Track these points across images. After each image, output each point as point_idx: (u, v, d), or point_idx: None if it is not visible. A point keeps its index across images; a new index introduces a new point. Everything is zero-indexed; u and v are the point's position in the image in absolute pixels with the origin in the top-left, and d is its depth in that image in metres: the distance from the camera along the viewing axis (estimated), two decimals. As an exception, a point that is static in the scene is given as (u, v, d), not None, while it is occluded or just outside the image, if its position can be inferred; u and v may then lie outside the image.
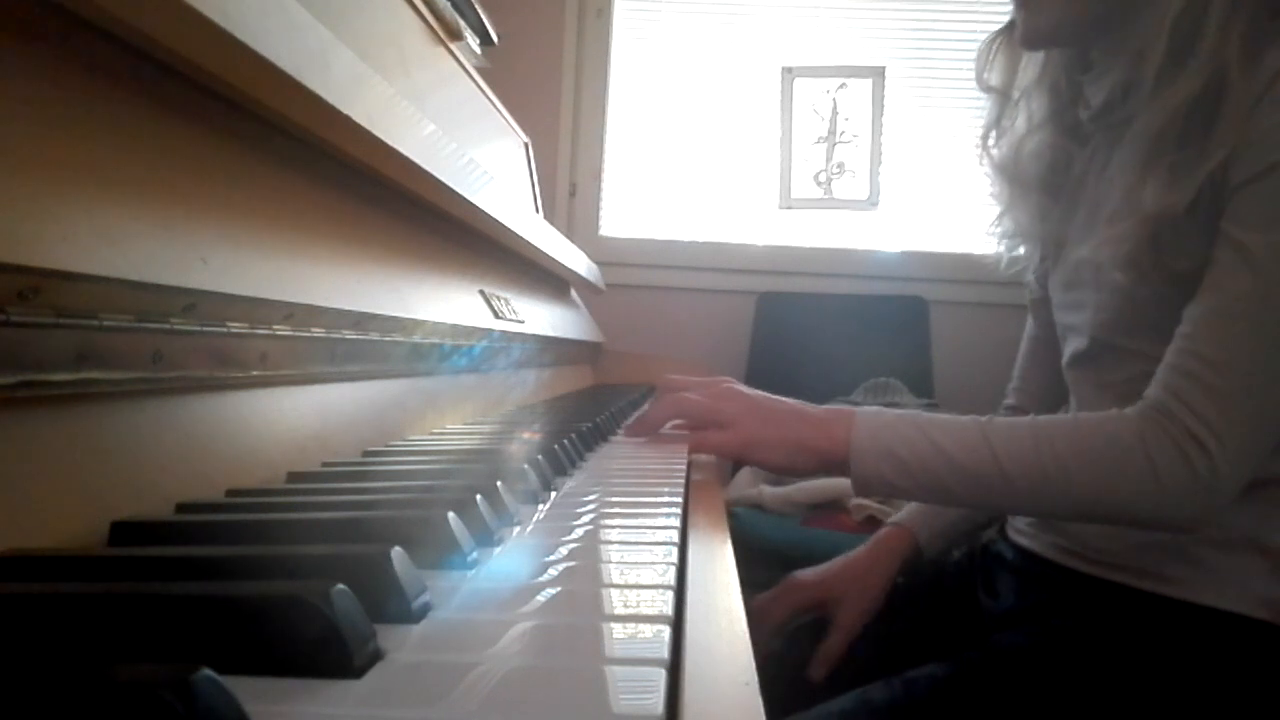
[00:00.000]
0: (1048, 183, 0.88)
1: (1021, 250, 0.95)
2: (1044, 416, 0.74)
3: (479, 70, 1.35)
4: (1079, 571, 0.82)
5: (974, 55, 0.93)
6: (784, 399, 0.80)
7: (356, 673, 0.26)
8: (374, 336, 0.68)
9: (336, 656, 0.26)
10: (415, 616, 0.31)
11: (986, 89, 0.91)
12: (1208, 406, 0.66)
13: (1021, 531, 0.91)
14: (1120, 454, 0.68)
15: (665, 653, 0.29)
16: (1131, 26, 0.75)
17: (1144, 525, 0.73)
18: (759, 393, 0.80)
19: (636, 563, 0.40)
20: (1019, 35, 0.83)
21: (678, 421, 0.83)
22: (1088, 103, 0.84)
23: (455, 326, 0.84)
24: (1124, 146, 0.77)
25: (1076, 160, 0.86)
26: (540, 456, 0.60)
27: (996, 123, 0.91)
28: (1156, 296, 0.73)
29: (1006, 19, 0.87)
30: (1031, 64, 0.88)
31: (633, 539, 0.46)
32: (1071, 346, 0.87)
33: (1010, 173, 0.90)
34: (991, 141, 0.92)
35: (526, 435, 0.77)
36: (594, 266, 1.75)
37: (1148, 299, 0.74)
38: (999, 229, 0.94)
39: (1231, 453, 0.66)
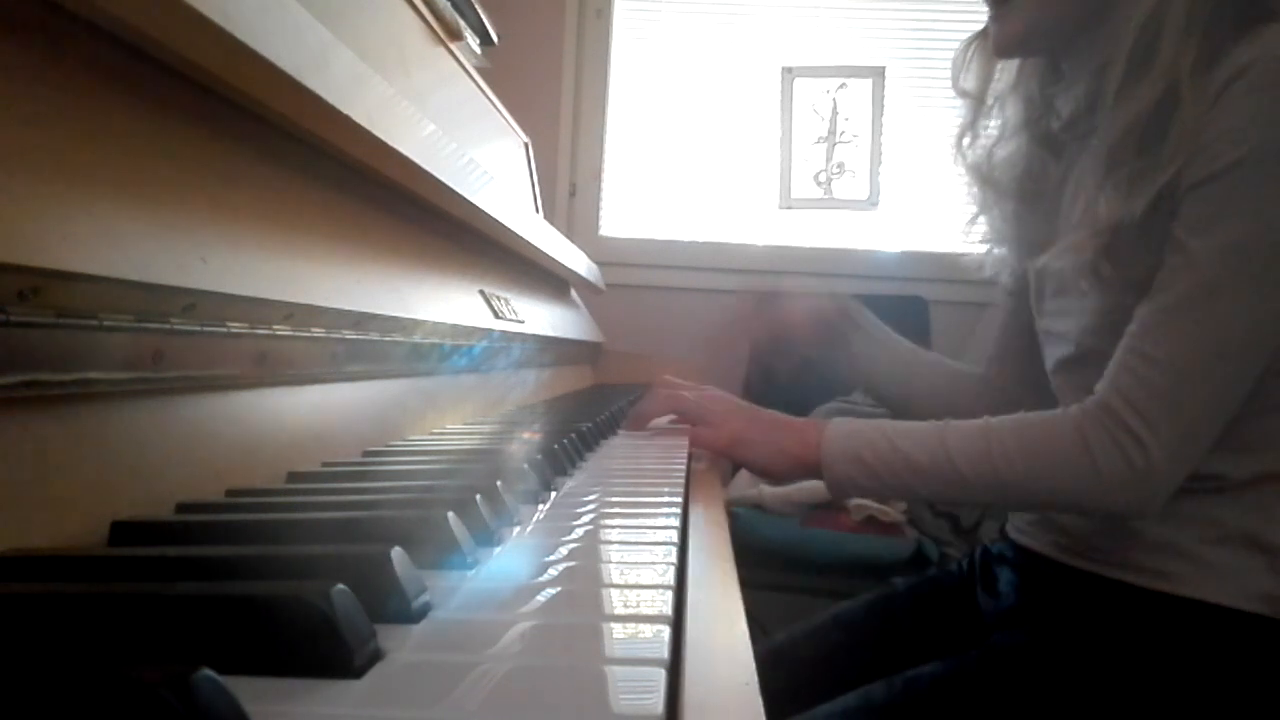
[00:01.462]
0: (1023, 190, 0.89)
1: (1001, 251, 0.96)
2: (996, 417, 0.77)
3: (479, 70, 1.35)
4: (1079, 569, 0.82)
5: None
6: (766, 409, 0.85)
7: (356, 673, 0.26)
8: (374, 336, 0.68)
9: (336, 656, 0.26)
10: (415, 616, 0.31)
11: (962, 94, 0.92)
12: (1148, 403, 0.69)
13: (1022, 530, 0.91)
14: (1062, 449, 0.72)
15: (665, 653, 0.29)
16: (1099, 38, 0.75)
17: (1087, 514, 0.79)
18: (744, 402, 0.86)
19: (636, 563, 0.40)
20: (992, 42, 0.84)
21: (670, 418, 0.86)
22: (1058, 114, 0.85)
23: (455, 326, 0.84)
24: (1085, 157, 0.78)
25: (1052, 169, 0.87)
26: (540, 456, 0.60)
27: (971, 126, 0.93)
28: (1128, 302, 0.74)
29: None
30: (1006, 71, 0.89)
31: (633, 539, 0.46)
32: (1058, 352, 0.87)
33: (984, 176, 0.92)
34: (966, 144, 0.93)
35: (526, 435, 0.77)
36: (594, 266, 1.75)
37: (1122, 305, 0.74)
38: (978, 232, 0.95)
39: (1168, 447, 0.69)
